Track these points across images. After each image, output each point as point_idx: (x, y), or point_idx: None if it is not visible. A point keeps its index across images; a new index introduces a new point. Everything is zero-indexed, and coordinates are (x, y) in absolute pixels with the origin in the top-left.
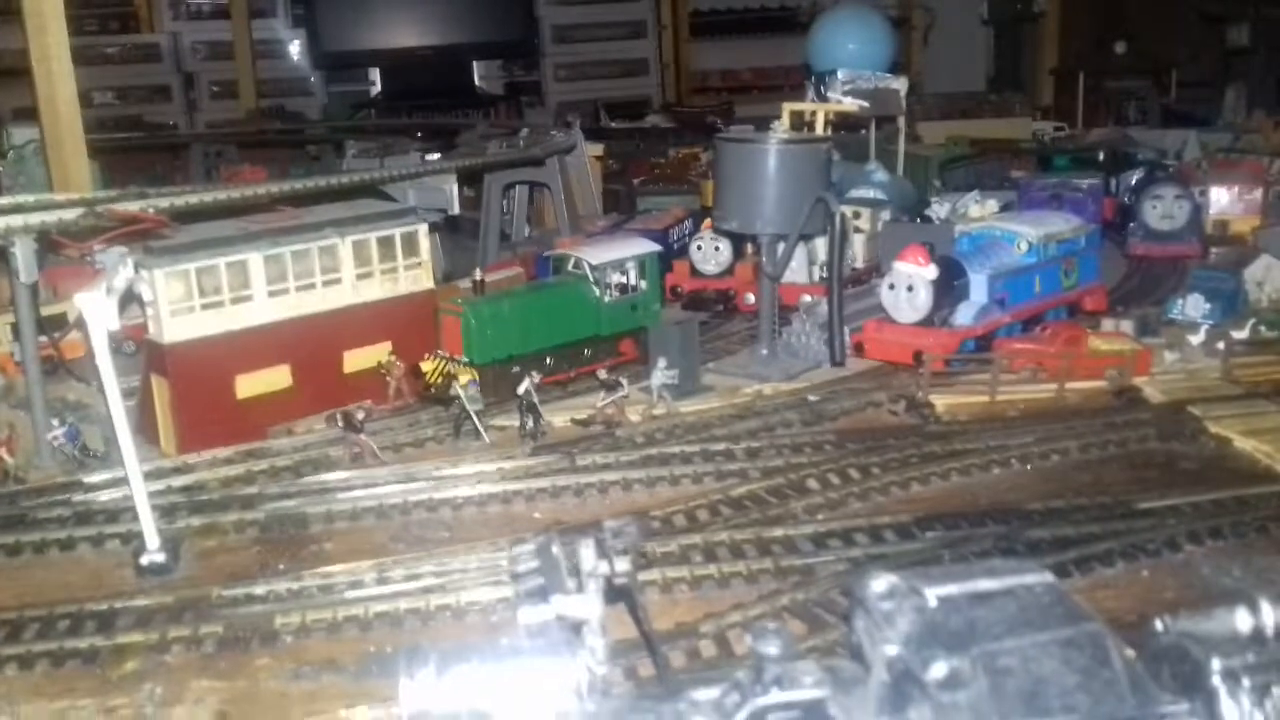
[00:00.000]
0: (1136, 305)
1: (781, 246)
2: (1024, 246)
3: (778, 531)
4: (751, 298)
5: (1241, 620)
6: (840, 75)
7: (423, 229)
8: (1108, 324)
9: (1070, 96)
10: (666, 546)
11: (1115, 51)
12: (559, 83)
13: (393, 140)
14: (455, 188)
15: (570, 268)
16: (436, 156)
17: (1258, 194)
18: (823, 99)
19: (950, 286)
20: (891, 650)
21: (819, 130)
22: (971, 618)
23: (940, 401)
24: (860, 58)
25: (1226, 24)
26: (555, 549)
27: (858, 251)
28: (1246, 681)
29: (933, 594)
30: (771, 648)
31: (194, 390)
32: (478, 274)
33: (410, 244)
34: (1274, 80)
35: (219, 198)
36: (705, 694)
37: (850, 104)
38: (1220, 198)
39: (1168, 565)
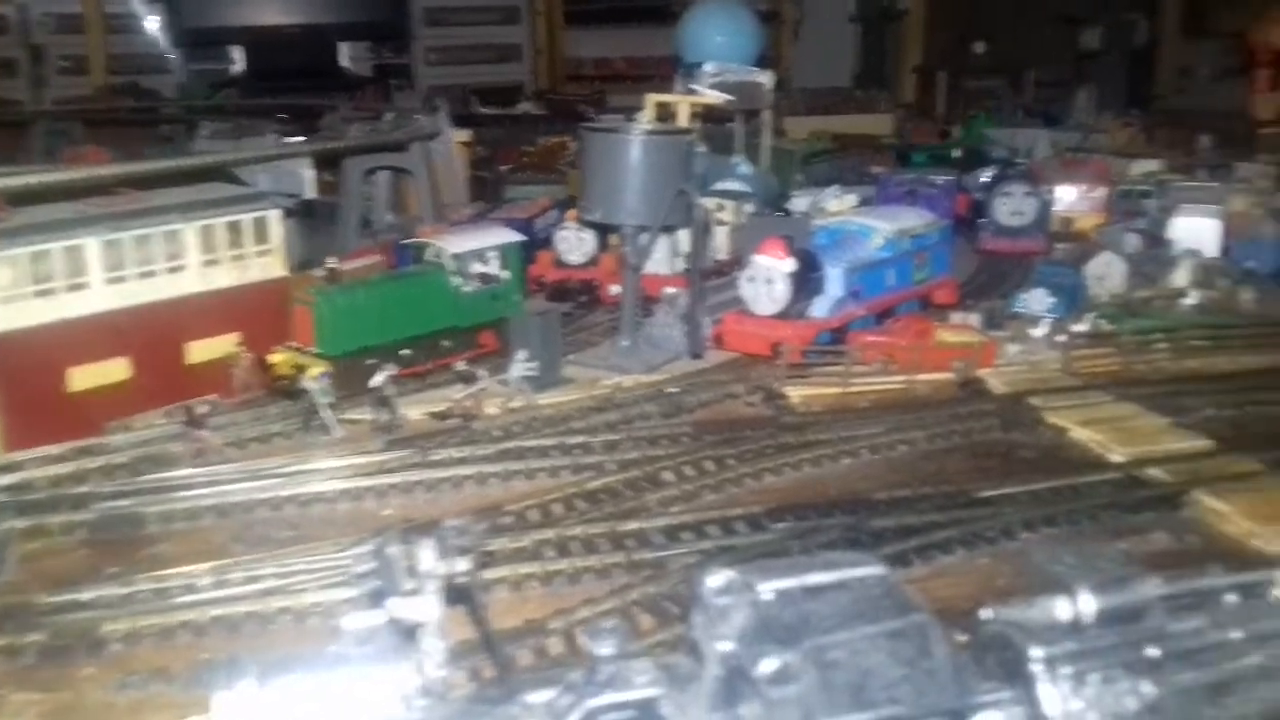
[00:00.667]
0: (985, 299)
1: (645, 237)
2: (879, 241)
3: (631, 525)
4: (616, 289)
5: (1061, 609)
6: (708, 68)
7: (275, 214)
8: (956, 317)
9: (932, 94)
10: (519, 542)
11: (975, 51)
12: (429, 66)
13: (249, 121)
14: (311, 172)
15: (430, 256)
16: (296, 139)
17: (1101, 192)
18: (691, 91)
19: (807, 279)
20: (724, 646)
21: (682, 122)
22: (804, 611)
23: (795, 393)
24: (728, 50)
25: (1080, 27)
26: (393, 549)
27: (721, 244)
28: (1064, 669)
29: (767, 588)
30: (606, 647)
31: (22, 383)
32: (332, 262)
33: (261, 230)
34: (1124, 82)
35: (59, 179)
36: (539, 696)
37: (714, 97)
38: (1066, 195)
39: (1004, 553)
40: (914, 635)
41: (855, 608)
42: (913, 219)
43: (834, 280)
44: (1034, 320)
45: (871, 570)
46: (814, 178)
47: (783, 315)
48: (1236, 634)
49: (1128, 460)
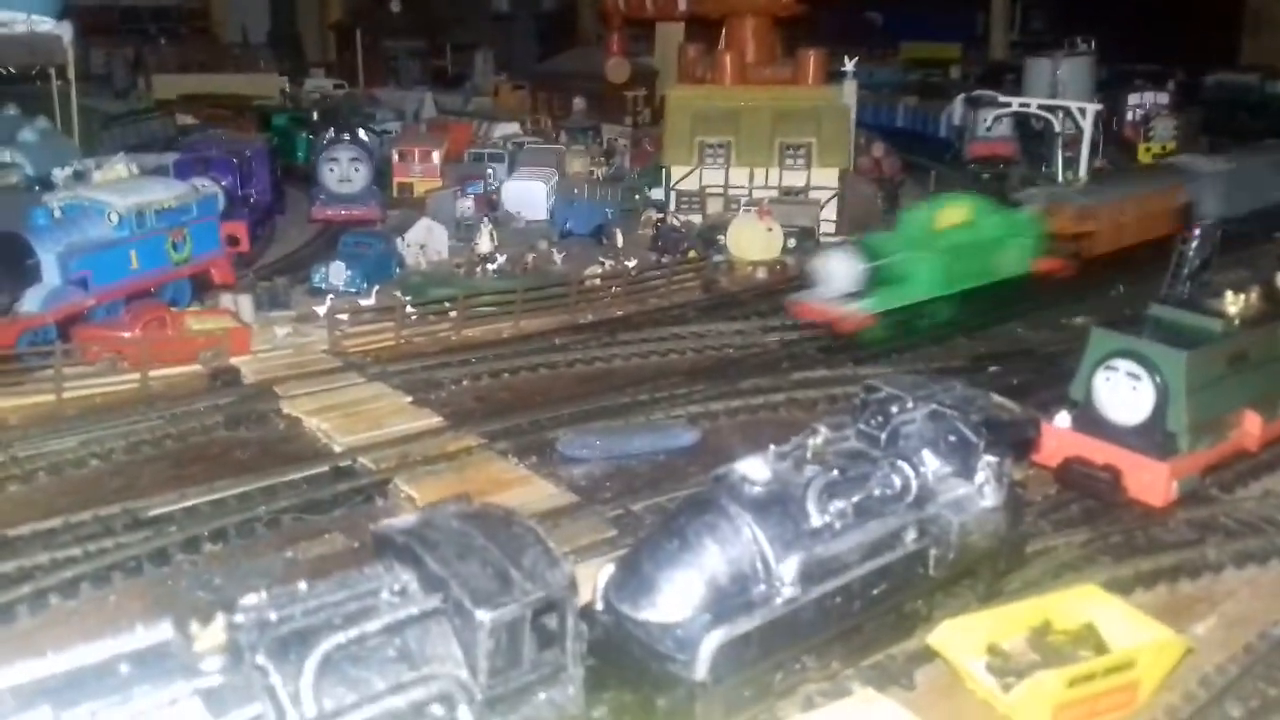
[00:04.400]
0: (287, 273)
1: None
2: (114, 218)
3: None
4: None
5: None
6: None
7: None
8: (227, 299)
9: (352, 53)
10: None
11: (392, 9)
12: None
13: None
14: None
15: None
16: None
17: (436, 157)
18: None
19: (14, 268)
20: None
21: None
22: None
23: None
24: None
25: None
26: None
27: None
28: None
29: None
30: None
31: None
32: None
33: None
34: (532, 43)
35: None
36: None
37: None
38: (405, 159)
39: (147, 581)
40: None
41: None
42: (160, 191)
43: (50, 267)
44: (324, 296)
45: None
46: (120, 142)
47: None
48: None
49: (345, 450)
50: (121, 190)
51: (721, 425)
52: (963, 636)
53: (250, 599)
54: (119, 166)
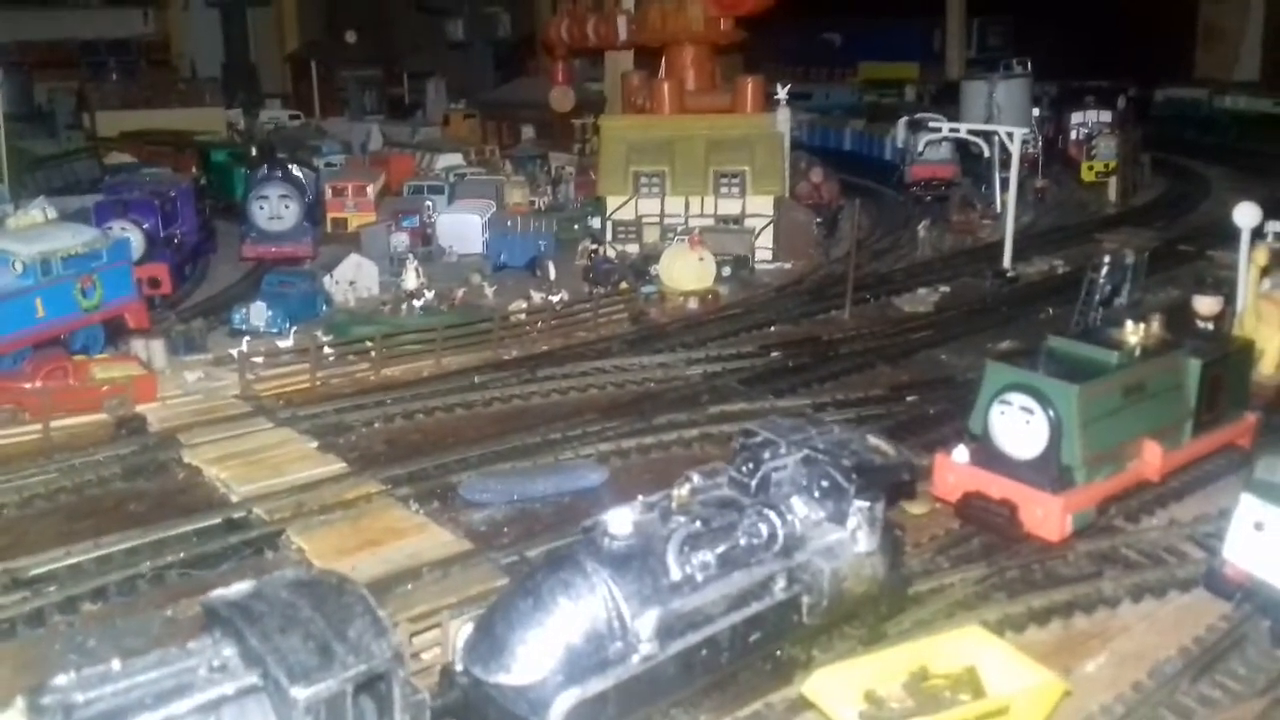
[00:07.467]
0: (213, 314)
1: None
2: (18, 267)
3: None
4: None
5: None
6: None
7: None
8: (138, 344)
9: (309, 84)
10: None
11: (347, 40)
12: None
13: None
14: None
15: None
16: None
17: (370, 191)
18: None
19: None
20: None
21: None
22: None
23: None
24: None
25: (445, 18)
26: None
27: None
28: None
29: None
30: None
31: None
32: None
33: None
34: (490, 71)
35: None
36: None
37: None
38: (339, 195)
39: (19, 644)
40: None
41: None
42: (66, 239)
43: None
44: (244, 338)
45: None
46: (47, 185)
47: None
48: None
49: (241, 500)
50: (28, 238)
51: (633, 463)
52: (838, 684)
53: (60, 679)
54: (35, 211)
